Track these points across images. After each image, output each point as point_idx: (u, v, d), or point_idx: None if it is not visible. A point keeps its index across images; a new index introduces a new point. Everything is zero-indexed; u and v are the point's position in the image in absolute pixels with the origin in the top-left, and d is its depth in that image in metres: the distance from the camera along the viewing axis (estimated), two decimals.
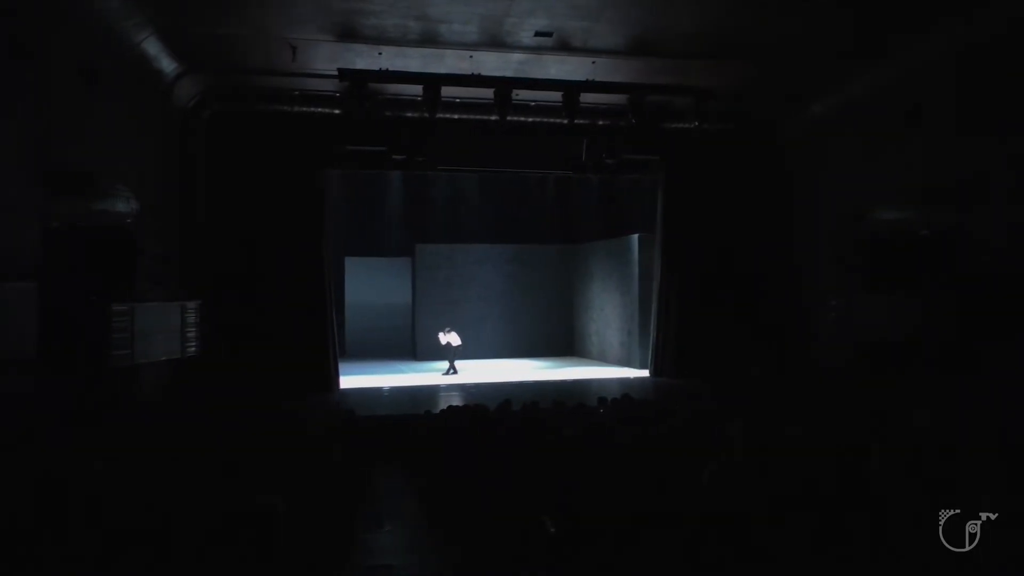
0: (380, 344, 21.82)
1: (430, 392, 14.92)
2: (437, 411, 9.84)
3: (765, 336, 15.93)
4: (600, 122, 14.91)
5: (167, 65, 12.51)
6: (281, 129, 14.22)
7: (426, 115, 13.07)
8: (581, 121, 14.14)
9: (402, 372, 17.96)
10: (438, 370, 17.81)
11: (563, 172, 16.60)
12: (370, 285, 22.32)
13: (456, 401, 13.17)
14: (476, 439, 7.70)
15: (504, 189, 21.06)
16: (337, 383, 14.75)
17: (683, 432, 7.63)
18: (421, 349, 20.24)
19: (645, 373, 17.14)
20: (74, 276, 10.04)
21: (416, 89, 12.85)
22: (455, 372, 17.28)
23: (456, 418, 8.93)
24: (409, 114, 14.19)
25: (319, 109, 14.08)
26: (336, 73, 12.35)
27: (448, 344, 17.50)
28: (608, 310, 19.66)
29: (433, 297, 20.63)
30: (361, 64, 12.53)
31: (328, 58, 12.45)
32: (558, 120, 13.97)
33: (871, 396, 10.49)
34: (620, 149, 15.11)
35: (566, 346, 21.49)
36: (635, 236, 18.33)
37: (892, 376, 11.41)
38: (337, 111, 14.06)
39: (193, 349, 13.00)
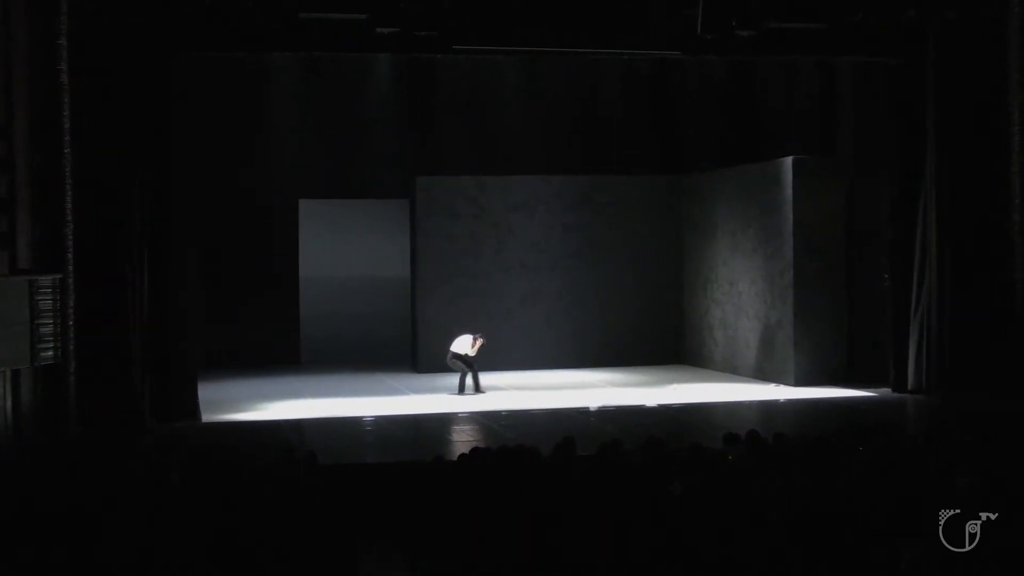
0: (358, 347, 22.00)
1: (441, 424, 14.95)
2: (455, 456, 9.89)
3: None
4: None
5: None
6: None
7: None
8: None
9: (396, 393, 18.03)
10: (453, 388, 17.86)
11: (664, 53, 16.42)
12: (341, 246, 22.40)
13: (486, 440, 13.18)
14: (521, 501, 7.73)
15: (564, 85, 20.94)
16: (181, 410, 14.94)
17: (874, 490, 7.58)
18: (425, 355, 20.34)
19: (805, 393, 17.14)
20: None
21: None
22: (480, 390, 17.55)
23: (487, 467, 8.95)
24: None
25: None
26: None
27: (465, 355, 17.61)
28: (742, 286, 19.54)
29: (445, 266, 20.69)
30: None
31: None
32: None
33: None
34: (762, 13, 14.88)
35: (668, 348, 21.46)
36: (787, 160, 18.16)
37: None
38: None
39: (50, 353, 13.19)
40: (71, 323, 13.66)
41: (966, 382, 15.92)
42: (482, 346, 17.65)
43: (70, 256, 13.84)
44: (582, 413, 15.56)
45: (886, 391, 16.78)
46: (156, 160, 14.69)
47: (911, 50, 16.27)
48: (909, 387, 16.50)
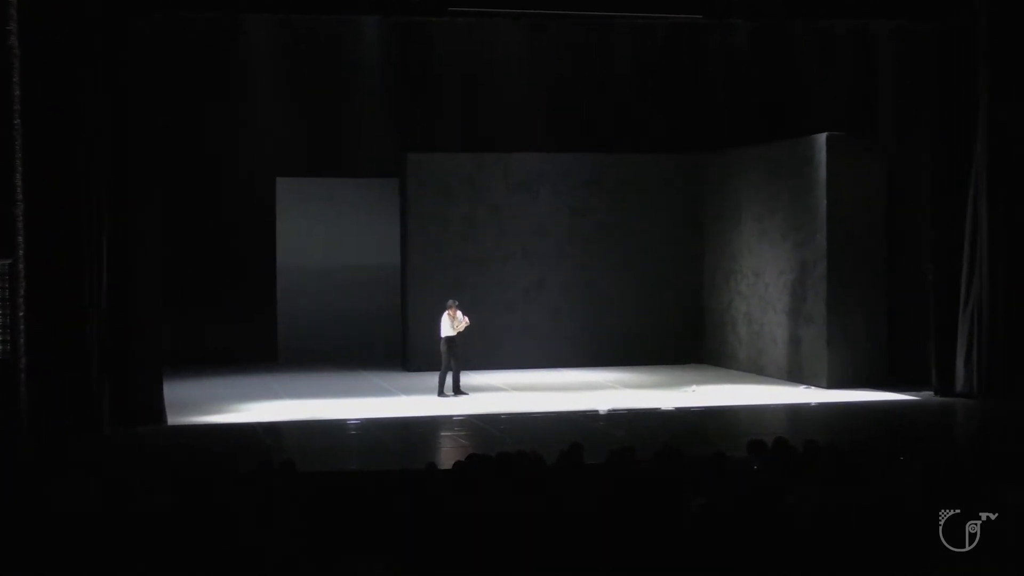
0: (341, 343, 22.04)
1: (433, 428, 14.95)
2: (450, 464, 9.87)
3: None
4: None
5: None
6: None
7: None
8: None
9: (384, 394, 18.11)
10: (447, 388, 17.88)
11: (684, 17, 16.39)
12: (323, 231, 22.37)
13: (483, 446, 13.14)
14: (523, 516, 7.71)
15: (571, 52, 20.89)
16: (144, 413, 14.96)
17: (916, 504, 7.54)
18: (416, 352, 20.35)
19: (838, 396, 17.14)
20: None
21: None
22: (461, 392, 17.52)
23: (485, 477, 8.92)
24: None
25: None
26: None
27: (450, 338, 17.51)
28: (768, 277, 19.53)
29: (439, 253, 20.69)
30: None
31: None
32: None
33: None
34: None
35: (687, 345, 21.52)
36: (821, 137, 18.14)
37: None
38: None
39: (1, 348, 13.16)
40: (22, 314, 13.63)
41: (1021, 385, 15.87)
42: (468, 326, 17.49)
43: (21, 239, 13.80)
44: (590, 417, 15.59)
45: (928, 395, 16.81)
46: (116, 134, 14.67)
47: (959, 14, 16.20)
48: (956, 390, 16.46)
